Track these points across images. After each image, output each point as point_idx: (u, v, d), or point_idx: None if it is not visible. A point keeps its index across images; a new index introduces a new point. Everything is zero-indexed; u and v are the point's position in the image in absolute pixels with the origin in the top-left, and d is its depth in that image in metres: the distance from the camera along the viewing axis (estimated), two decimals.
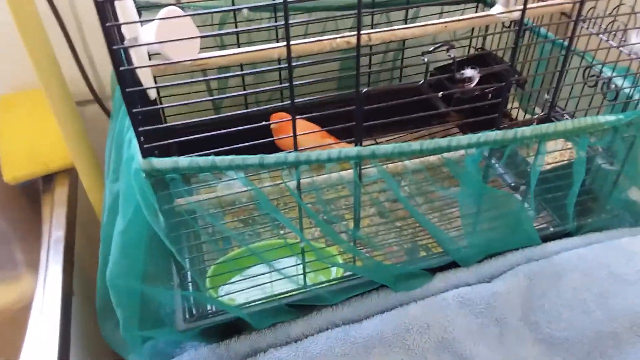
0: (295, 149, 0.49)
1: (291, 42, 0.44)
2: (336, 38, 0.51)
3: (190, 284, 0.61)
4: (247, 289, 0.61)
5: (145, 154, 0.43)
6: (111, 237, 0.51)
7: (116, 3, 0.50)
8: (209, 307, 0.61)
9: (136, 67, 0.46)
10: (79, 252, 0.75)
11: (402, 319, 0.57)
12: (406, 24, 0.86)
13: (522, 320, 0.59)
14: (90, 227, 0.83)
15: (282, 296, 0.59)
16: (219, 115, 0.47)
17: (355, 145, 0.50)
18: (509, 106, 0.89)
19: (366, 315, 0.59)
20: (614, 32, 0.62)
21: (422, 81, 0.46)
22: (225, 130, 0.45)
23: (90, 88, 0.82)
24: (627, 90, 0.63)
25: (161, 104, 0.85)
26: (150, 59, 0.54)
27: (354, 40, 0.46)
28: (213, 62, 0.58)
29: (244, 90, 0.87)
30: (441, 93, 0.48)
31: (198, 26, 0.81)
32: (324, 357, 0.54)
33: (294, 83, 0.46)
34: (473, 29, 0.90)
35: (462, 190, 0.56)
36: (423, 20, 0.88)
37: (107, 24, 0.37)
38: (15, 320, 0.88)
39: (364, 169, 0.52)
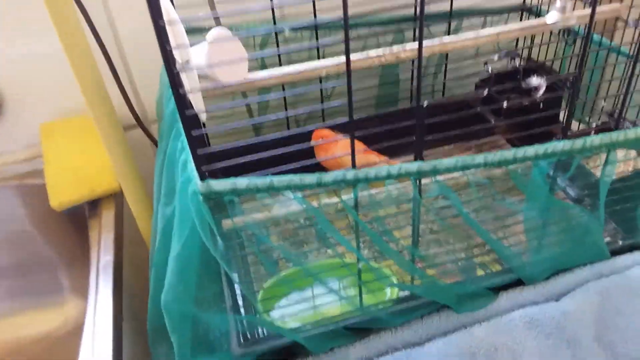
0: (354, 166, 0.47)
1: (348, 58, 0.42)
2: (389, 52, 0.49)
3: (242, 307, 0.59)
4: (301, 311, 0.59)
5: (203, 176, 0.42)
6: (164, 261, 0.50)
7: (168, 27, 0.50)
8: (261, 330, 0.59)
9: (193, 91, 0.45)
10: (126, 277, 0.74)
11: (466, 341, 0.54)
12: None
13: (596, 341, 0.55)
14: (137, 251, 0.82)
15: (339, 319, 0.56)
16: (265, 137, 0.45)
17: (415, 159, 0.48)
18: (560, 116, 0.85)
19: (428, 337, 0.56)
20: None
21: (486, 91, 0.44)
22: (273, 151, 0.44)
23: (133, 113, 0.82)
24: None
25: (204, 126, 0.85)
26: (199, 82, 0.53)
27: (409, 54, 0.44)
28: (263, 82, 0.58)
29: (286, 109, 0.86)
30: (504, 104, 0.46)
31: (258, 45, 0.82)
32: None
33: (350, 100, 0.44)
34: (517, 40, 0.88)
35: (528, 204, 0.53)
36: (466, 31, 0.88)
37: (168, 48, 0.36)
38: (58, 346, 0.88)
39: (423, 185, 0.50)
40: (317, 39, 0.80)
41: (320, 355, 0.55)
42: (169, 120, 0.59)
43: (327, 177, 0.45)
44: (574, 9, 0.63)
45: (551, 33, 0.80)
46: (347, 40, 0.41)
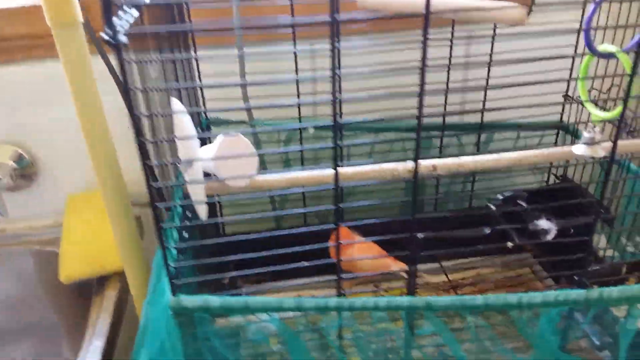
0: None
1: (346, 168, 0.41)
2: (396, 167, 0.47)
3: None
4: None
5: (175, 290, 0.40)
6: None
7: (176, 124, 0.50)
8: None
9: (196, 202, 0.45)
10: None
11: None
12: (478, 147, 0.81)
13: None
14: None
15: None
16: (273, 232, 0.44)
17: (408, 293, 0.45)
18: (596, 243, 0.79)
19: None
20: None
21: (487, 230, 0.40)
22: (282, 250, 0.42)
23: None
24: None
25: (221, 212, 0.84)
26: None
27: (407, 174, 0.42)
28: (267, 185, 0.57)
29: (304, 205, 0.85)
30: (510, 244, 0.42)
31: (264, 142, 0.83)
32: None
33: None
34: None
35: (535, 355, 0.47)
36: (497, 144, 0.85)
37: (141, 139, 0.36)
38: None
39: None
40: (341, 139, 0.79)
41: None
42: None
43: (308, 302, 0.42)
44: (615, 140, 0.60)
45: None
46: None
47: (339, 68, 0.43)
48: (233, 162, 0.51)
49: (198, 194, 0.52)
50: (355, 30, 0.80)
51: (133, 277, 0.71)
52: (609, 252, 0.77)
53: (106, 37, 0.34)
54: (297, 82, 0.74)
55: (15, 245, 0.90)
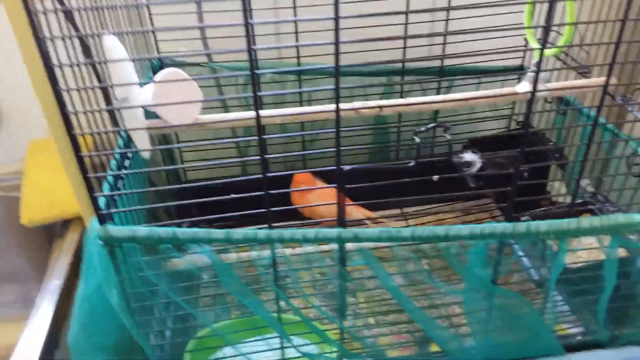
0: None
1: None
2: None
3: None
4: None
5: (102, 219, 0.40)
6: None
7: (112, 68, 0.50)
8: None
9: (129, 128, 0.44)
10: None
11: None
12: (438, 93, 0.81)
13: None
14: None
15: None
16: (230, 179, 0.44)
17: (339, 226, 0.45)
18: (554, 189, 0.80)
19: None
20: None
21: (411, 163, 0.41)
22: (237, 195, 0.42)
23: None
24: None
25: (182, 158, 0.84)
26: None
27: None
28: (214, 125, 0.56)
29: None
30: (436, 177, 0.42)
31: (224, 85, 0.82)
32: None
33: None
34: (514, 103, 0.84)
35: (466, 287, 0.49)
36: (459, 90, 0.85)
37: (57, 88, 0.35)
38: None
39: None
40: (300, 84, 0.79)
41: None
42: None
43: (237, 234, 0.43)
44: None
45: (545, 100, 0.77)
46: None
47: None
48: (174, 99, 0.51)
49: (141, 138, 0.52)
50: None
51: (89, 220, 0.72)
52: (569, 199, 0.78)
53: None
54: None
55: None
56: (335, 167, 0.42)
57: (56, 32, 0.42)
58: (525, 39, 0.76)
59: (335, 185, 0.43)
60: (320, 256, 0.47)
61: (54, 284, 0.70)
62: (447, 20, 0.76)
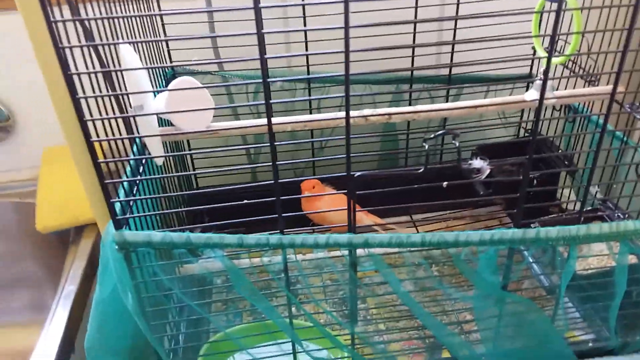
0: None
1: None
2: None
3: None
4: None
5: (117, 225, 0.41)
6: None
7: (127, 77, 0.51)
8: None
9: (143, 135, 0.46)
10: None
11: None
12: (447, 101, 0.82)
13: None
14: None
15: None
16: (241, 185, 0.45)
17: (349, 231, 0.46)
18: (563, 196, 0.81)
19: None
20: None
21: (422, 169, 0.41)
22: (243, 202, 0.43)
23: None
24: None
25: (193, 165, 0.86)
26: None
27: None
28: (226, 132, 0.57)
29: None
30: (446, 183, 0.43)
31: (234, 94, 0.83)
32: None
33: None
34: (522, 111, 0.85)
35: (476, 293, 0.49)
36: (467, 98, 0.85)
37: (77, 97, 0.37)
38: None
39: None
40: (309, 92, 0.80)
41: None
42: None
43: (249, 239, 0.44)
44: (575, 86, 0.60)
45: (554, 108, 0.77)
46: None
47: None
48: (187, 107, 0.52)
49: (154, 144, 0.53)
50: None
51: (103, 226, 0.73)
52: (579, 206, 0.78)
53: None
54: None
55: None
56: (345, 174, 0.42)
57: (72, 41, 0.44)
58: (533, 48, 0.76)
59: (345, 191, 0.43)
60: (332, 262, 0.47)
61: (68, 289, 0.71)
62: (454, 29, 0.77)
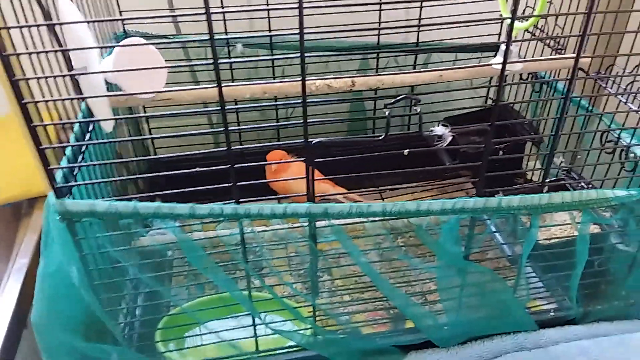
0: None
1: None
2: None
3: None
4: (202, 345, 0.54)
5: (59, 194, 0.39)
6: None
7: (67, 35, 0.47)
8: None
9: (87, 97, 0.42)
10: None
11: None
12: (414, 69, 0.80)
13: None
14: None
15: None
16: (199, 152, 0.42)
17: (308, 200, 0.44)
18: (529, 166, 0.80)
19: None
20: (634, 94, 0.54)
21: (382, 136, 0.40)
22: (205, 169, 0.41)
23: None
24: None
25: (151, 134, 0.82)
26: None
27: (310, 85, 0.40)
28: (177, 98, 0.54)
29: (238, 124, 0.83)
30: (407, 151, 0.41)
31: (192, 58, 0.80)
32: None
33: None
34: (491, 79, 0.83)
35: (439, 264, 0.48)
36: (435, 66, 0.83)
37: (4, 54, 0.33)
38: None
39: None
40: (272, 62, 0.77)
41: None
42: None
43: (202, 209, 0.42)
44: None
45: (520, 76, 0.76)
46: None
47: None
48: (137, 71, 0.48)
49: (101, 108, 0.50)
50: None
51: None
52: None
53: None
54: None
55: None
56: (303, 141, 0.40)
57: None
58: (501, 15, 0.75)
59: (303, 159, 0.41)
60: (291, 233, 0.46)
61: (20, 262, 0.68)
62: None
